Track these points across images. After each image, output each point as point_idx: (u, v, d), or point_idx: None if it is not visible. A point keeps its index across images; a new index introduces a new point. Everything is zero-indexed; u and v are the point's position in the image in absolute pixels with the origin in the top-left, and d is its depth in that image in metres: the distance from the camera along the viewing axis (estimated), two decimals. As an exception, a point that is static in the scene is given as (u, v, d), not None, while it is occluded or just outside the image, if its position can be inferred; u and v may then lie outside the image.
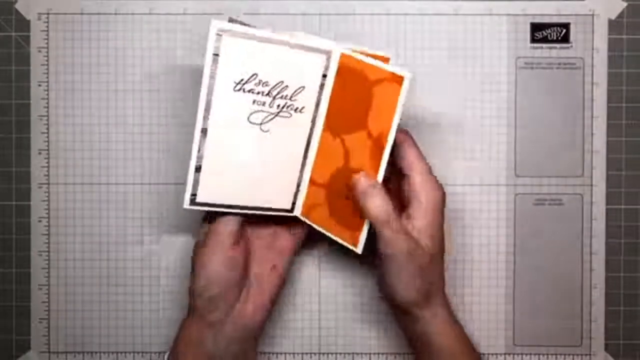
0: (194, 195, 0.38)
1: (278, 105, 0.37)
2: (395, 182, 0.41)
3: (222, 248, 0.39)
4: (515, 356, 0.46)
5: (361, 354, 0.47)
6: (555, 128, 0.46)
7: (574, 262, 0.46)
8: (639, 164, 0.46)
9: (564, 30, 0.46)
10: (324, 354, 0.47)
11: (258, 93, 0.36)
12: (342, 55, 0.37)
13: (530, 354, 0.46)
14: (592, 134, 0.46)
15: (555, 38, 0.46)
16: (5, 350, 0.46)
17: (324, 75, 0.37)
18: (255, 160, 0.38)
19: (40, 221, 0.46)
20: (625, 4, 0.46)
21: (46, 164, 0.46)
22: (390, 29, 0.46)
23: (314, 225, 0.42)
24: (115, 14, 0.46)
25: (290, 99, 0.37)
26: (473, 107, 0.46)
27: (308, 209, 0.42)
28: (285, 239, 0.43)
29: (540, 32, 0.46)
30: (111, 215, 0.46)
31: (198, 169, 0.37)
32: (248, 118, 0.37)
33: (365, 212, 0.38)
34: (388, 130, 0.37)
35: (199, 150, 0.36)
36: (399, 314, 0.42)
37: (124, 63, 0.46)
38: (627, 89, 0.46)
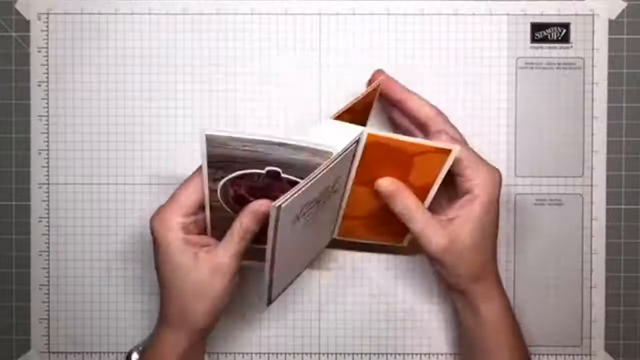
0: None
1: (322, 200, 0.37)
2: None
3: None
4: (515, 356, 0.46)
5: (361, 354, 0.47)
6: (555, 128, 0.46)
7: (574, 262, 0.46)
8: (638, 164, 0.46)
9: (564, 30, 0.46)
10: (324, 354, 0.47)
11: (309, 210, 0.36)
12: (369, 135, 0.36)
13: (530, 354, 0.46)
14: (592, 134, 0.46)
15: (555, 38, 0.46)
16: (5, 350, 0.46)
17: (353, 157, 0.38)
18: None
19: (40, 221, 0.46)
20: (625, 4, 0.46)
21: (46, 164, 0.46)
22: (390, 29, 0.46)
23: (355, 240, 0.44)
24: (115, 13, 0.46)
25: (330, 189, 0.38)
26: (473, 107, 0.46)
27: (346, 232, 0.43)
28: None
29: (540, 32, 0.46)
30: (111, 215, 0.46)
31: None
32: (298, 223, 0.37)
33: (395, 213, 0.39)
34: (432, 184, 0.39)
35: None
36: (450, 290, 0.42)
37: (124, 63, 0.46)
38: (627, 89, 0.46)
